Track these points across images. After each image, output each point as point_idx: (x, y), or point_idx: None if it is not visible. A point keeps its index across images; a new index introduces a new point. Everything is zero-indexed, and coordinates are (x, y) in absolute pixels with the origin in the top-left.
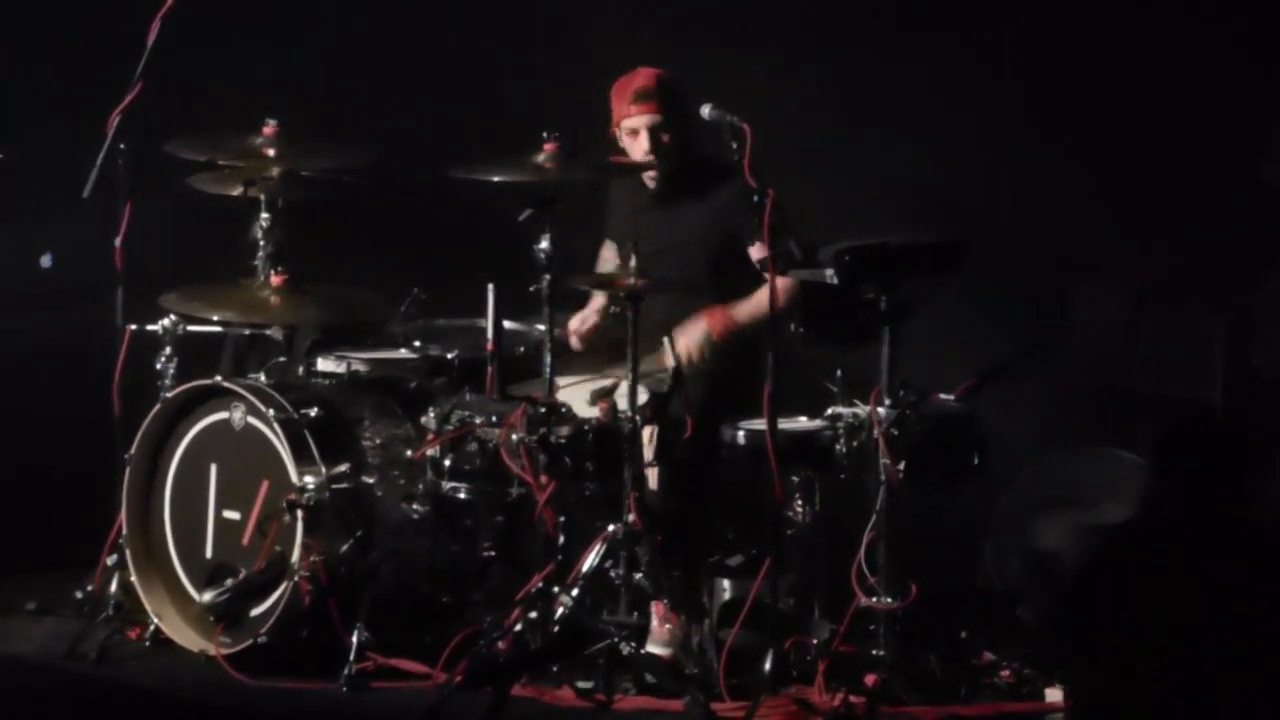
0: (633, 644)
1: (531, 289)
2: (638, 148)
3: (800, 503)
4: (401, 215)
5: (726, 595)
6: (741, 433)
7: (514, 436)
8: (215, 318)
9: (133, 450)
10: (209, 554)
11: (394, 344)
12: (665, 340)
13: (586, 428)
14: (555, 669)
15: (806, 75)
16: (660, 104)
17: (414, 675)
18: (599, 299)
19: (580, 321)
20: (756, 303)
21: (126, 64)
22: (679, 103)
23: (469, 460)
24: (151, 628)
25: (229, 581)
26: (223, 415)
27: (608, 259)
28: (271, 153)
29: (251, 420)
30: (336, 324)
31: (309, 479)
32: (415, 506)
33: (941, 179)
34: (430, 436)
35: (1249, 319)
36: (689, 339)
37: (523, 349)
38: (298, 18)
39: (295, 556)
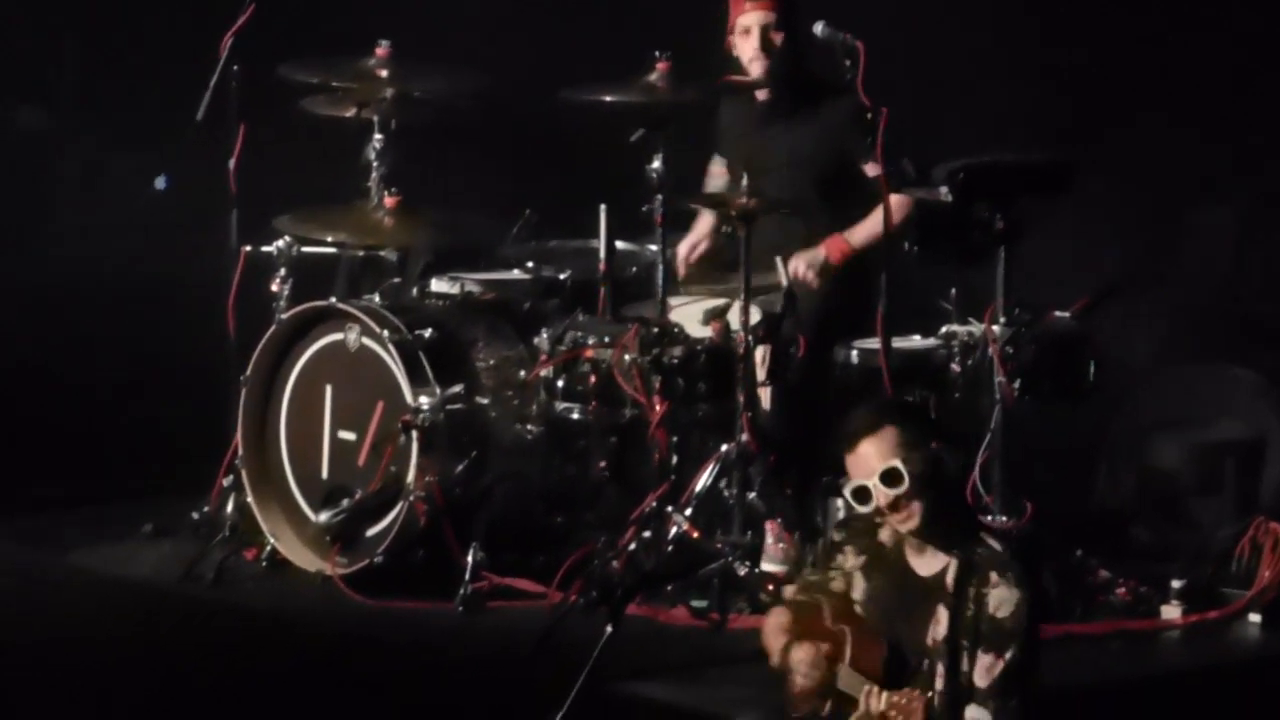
0: (747, 563)
1: (644, 209)
2: (749, 47)
3: None
4: (514, 137)
5: (841, 515)
6: (855, 352)
7: (626, 357)
8: (329, 239)
9: (248, 372)
10: (324, 475)
11: (507, 265)
12: (777, 260)
13: (699, 348)
14: (670, 589)
15: None
16: (776, 3)
17: (529, 595)
18: (706, 220)
19: (689, 248)
20: (871, 225)
21: None
22: (794, 7)
23: (582, 381)
24: (268, 549)
25: (345, 502)
26: (338, 336)
27: (716, 175)
28: (384, 74)
29: (366, 341)
30: (450, 246)
31: (424, 400)
32: (529, 428)
33: (1055, 99)
34: (543, 358)
35: None
36: (804, 262)
37: (635, 270)
38: None
39: (410, 477)
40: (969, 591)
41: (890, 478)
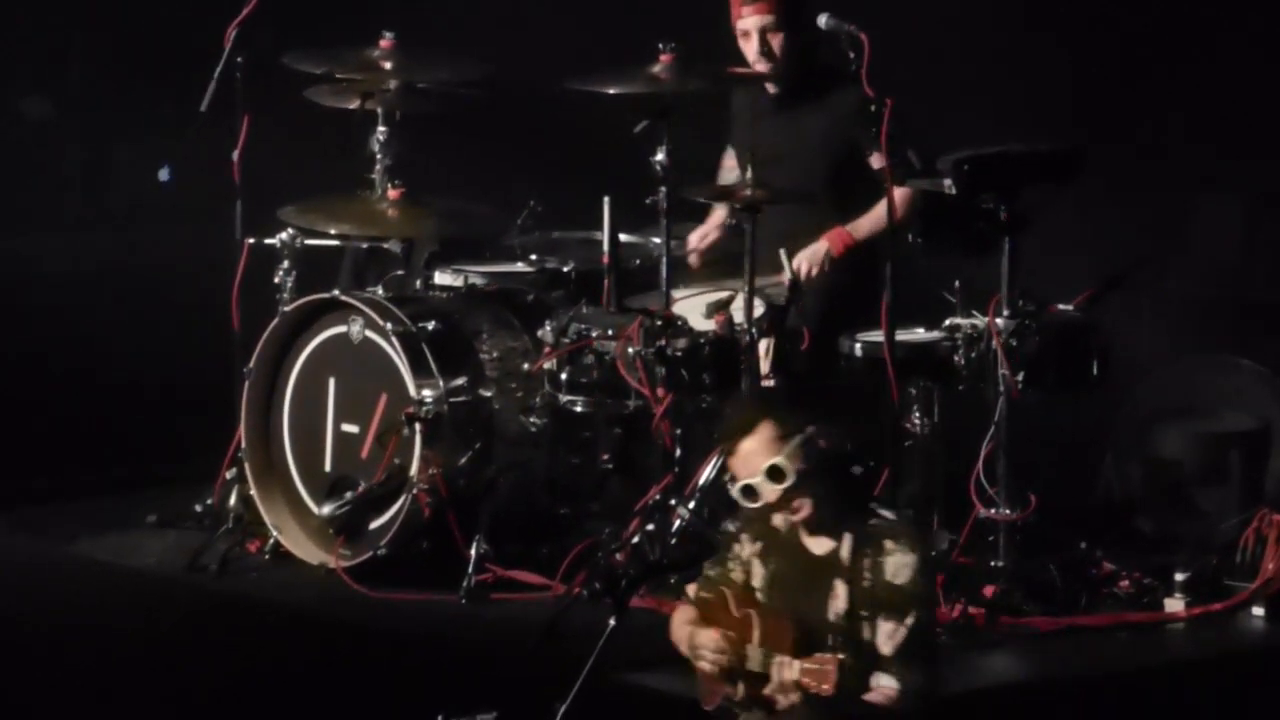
0: None
1: (648, 201)
2: (750, 50)
3: (918, 413)
4: (518, 127)
5: None
6: (859, 344)
7: (630, 349)
8: (333, 231)
9: (252, 364)
10: (328, 467)
11: (511, 257)
12: (781, 252)
13: (703, 340)
14: (674, 580)
15: None
16: (774, 5)
17: (533, 587)
18: (719, 213)
19: (700, 238)
20: (875, 217)
21: None
22: (796, 7)
23: (586, 373)
24: (271, 540)
25: (348, 494)
26: (341, 329)
27: (729, 168)
28: (388, 65)
29: (370, 334)
30: (454, 237)
31: (427, 392)
32: (533, 419)
33: (1060, 89)
34: (547, 349)
35: None
36: (807, 255)
37: (639, 261)
38: None
39: (414, 469)
40: (864, 563)
41: (774, 474)
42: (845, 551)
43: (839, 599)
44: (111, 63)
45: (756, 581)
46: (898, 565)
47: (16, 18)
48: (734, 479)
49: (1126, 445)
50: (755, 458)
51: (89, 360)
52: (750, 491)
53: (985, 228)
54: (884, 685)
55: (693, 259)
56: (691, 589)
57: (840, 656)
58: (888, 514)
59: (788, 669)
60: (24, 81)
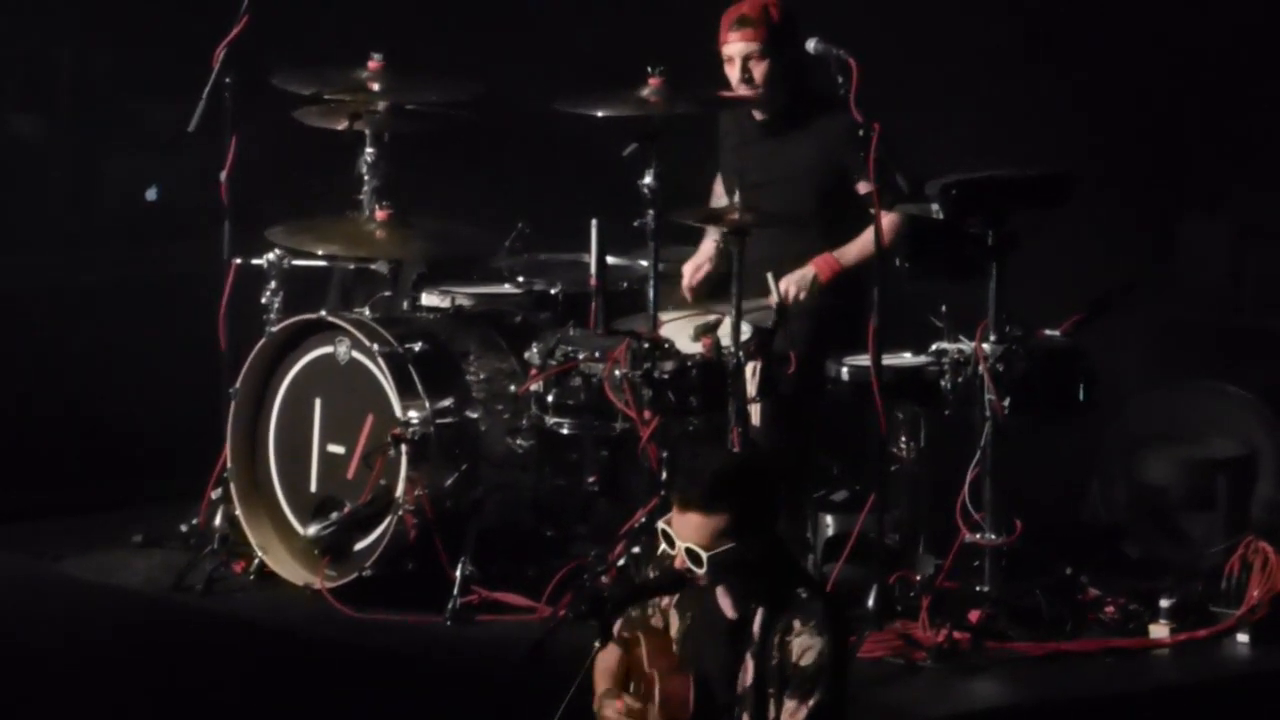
0: None
1: (635, 224)
2: (733, 76)
3: (905, 438)
4: (506, 149)
5: (831, 530)
6: (846, 368)
7: (618, 371)
8: (320, 252)
9: (238, 384)
10: (314, 488)
11: (498, 278)
12: (769, 276)
13: (690, 363)
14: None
15: (913, 10)
16: (758, 33)
17: (518, 609)
18: (710, 242)
19: (693, 270)
20: (863, 244)
21: None
22: (781, 34)
23: (573, 395)
24: (256, 561)
25: (334, 515)
26: (328, 349)
27: (720, 194)
28: (376, 86)
29: (356, 354)
30: (441, 258)
31: (413, 413)
32: (519, 441)
33: (1048, 114)
34: (534, 371)
35: None
36: (794, 279)
37: (626, 284)
38: None
39: (400, 490)
40: (774, 639)
41: (693, 558)
42: (756, 626)
43: (748, 672)
44: (100, 81)
45: (673, 631)
46: (803, 647)
47: (6, 33)
48: (667, 520)
49: (1113, 471)
50: (691, 533)
51: (75, 379)
52: (668, 539)
53: (972, 252)
54: None
55: (687, 295)
56: (617, 627)
57: None
58: (802, 592)
59: None
60: (13, 99)
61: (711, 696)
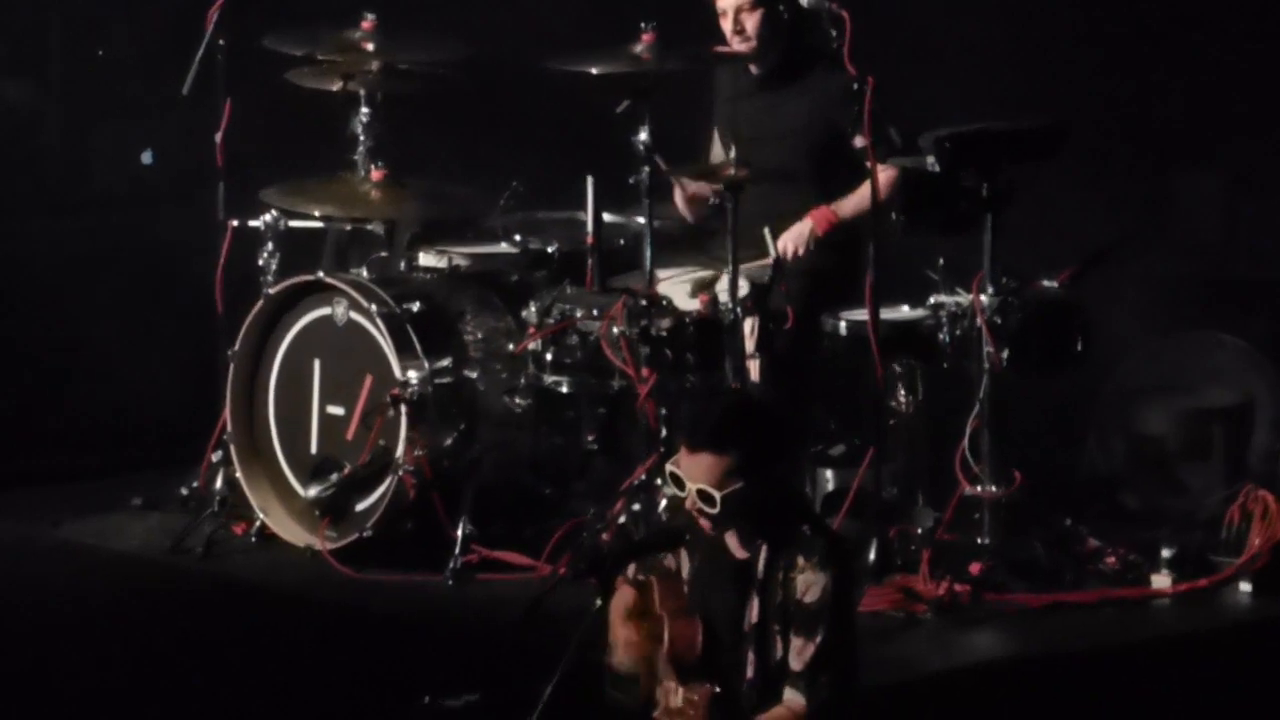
0: None
1: (630, 180)
2: (726, 28)
3: (903, 392)
4: (500, 108)
5: (830, 485)
6: (843, 323)
7: (614, 329)
8: (316, 213)
9: (236, 347)
10: (313, 449)
11: (494, 238)
12: (765, 231)
13: (687, 320)
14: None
15: None
16: None
17: (518, 567)
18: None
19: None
20: (860, 196)
21: None
22: None
23: (570, 353)
24: (257, 523)
25: (333, 476)
26: (325, 311)
27: (718, 147)
28: (370, 47)
29: (354, 315)
30: (436, 218)
31: (412, 373)
32: (517, 400)
33: (1042, 65)
34: (531, 330)
35: None
36: (792, 235)
37: (622, 241)
38: None
39: (399, 450)
40: (778, 577)
41: (705, 498)
42: (761, 563)
43: (752, 611)
44: (92, 45)
45: (684, 572)
46: (807, 583)
47: None
48: (675, 462)
49: (1110, 422)
50: (701, 474)
51: (72, 343)
52: (678, 481)
53: (967, 205)
54: (791, 700)
55: (683, 206)
56: (632, 570)
57: (716, 689)
58: (807, 530)
59: (673, 695)
60: (5, 65)
61: (718, 638)
